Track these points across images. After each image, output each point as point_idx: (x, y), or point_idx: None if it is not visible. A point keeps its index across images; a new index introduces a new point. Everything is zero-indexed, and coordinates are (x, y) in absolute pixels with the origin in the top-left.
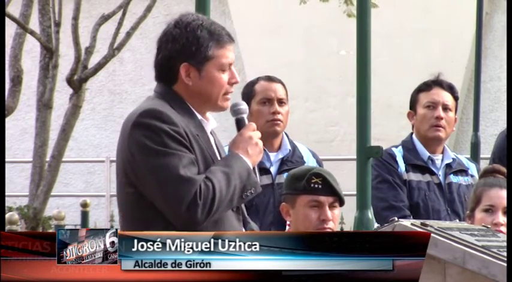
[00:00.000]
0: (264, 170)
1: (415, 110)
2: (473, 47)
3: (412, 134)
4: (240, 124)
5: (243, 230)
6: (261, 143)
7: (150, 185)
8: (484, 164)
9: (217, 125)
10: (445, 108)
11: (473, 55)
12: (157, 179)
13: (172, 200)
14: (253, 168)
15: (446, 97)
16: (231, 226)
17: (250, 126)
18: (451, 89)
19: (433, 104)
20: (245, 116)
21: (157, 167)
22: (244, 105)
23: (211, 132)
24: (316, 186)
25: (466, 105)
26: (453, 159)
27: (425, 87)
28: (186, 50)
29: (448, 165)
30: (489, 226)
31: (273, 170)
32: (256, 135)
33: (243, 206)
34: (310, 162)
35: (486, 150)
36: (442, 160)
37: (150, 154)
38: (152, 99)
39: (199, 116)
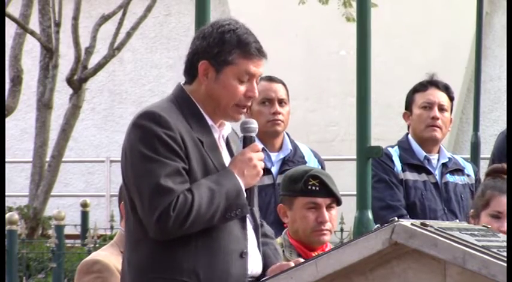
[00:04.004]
0: (265, 170)
1: (411, 111)
2: (473, 47)
3: (407, 134)
4: (246, 142)
5: (248, 236)
6: (261, 165)
7: (133, 187)
8: (484, 164)
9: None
10: (441, 108)
11: (473, 55)
12: (139, 184)
13: (146, 207)
14: (251, 189)
15: (442, 97)
16: (230, 235)
17: (254, 146)
18: (446, 89)
19: (429, 104)
20: (253, 134)
21: (141, 171)
22: (254, 124)
23: (227, 138)
24: (313, 188)
25: (466, 105)
26: (449, 158)
27: (421, 87)
28: (210, 50)
29: (444, 165)
30: (489, 226)
31: (274, 170)
32: (258, 156)
33: (255, 209)
34: (311, 162)
35: (486, 150)
36: (438, 160)
37: (139, 157)
38: (165, 100)
39: (209, 121)
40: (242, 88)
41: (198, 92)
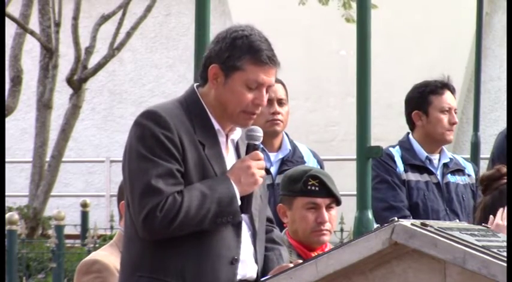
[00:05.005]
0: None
1: (427, 112)
2: (473, 47)
3: (408, 133)
4: (249, 150)
5: (243, 243)
6: (259, 173)
7: (127, 184)
8: (484, 164)
9: None
10: (455, 112)
11: (473, 55)
12: (131, 181)
13: (136, 206)
14: (248, 196)
15: (455, 101)
16: (222, 239)
17: (255, 155)
18: (455, 91)
19: (449, 109)
20: (257, 143)
21: (135, 169)
22: (259, 133)
23: (237, 143)
24: (313, 188)
25: (466, 105)
26: (450, 159)
27: (437, 89)
28: (221, 54)
29: (445, 165)
30: (489, 226)
31: (273, 170)
32: (257, 165)
33: (269, 215)
34: (310, 162)
35: (486, 150)
36: (439, 160)
37: (135, 155)
38: (174, 100)
39: (216, 126)
40: (250, 95)
41: (208, 96)
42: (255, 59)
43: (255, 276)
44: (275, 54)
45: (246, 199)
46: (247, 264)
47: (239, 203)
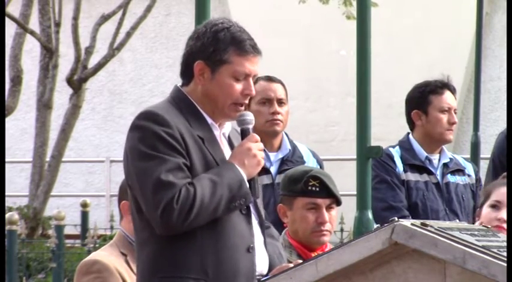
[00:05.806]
0: (264, 170)
1: (426, 112)
2: (473, 47)
3: (408, 133)
4: (244, 135)
5: (254, 232)
6: (261, 154)
7: (136, 187)
8: (484, 164)
9: None
10: (455, 112)
11: (473, 55)
12: (141, 182)
13: (150, 203)
14: (253, 179)
15: (455, 101)
16: (235, 229)
17: (252, 137)
18: (455, 92)
19: (449, 108)
20: (250, 126)
21: (142, 169)
22: (250, 116)
23: (229, 136)
24: (313, 188)
25: (466, 105)
26: (450, 159)
27: (437, 89)
28: (205, 49)
29: (445, 165)
30: (489, 226)
31: (273, 169)
32: (257, 146)
33: (260, 204)
34: (310, 162)
35: (486, 150)
36: (439, 160)
37: (139, 157)
38: (163, 102)
39: (209, 120)
40: (238, 86)
41: (195, 93)
42: (240, 49)
43: (266, 270)
44: (256, 42)
45: (252, 183)
46: (260, 255)
47: (248, 185)
